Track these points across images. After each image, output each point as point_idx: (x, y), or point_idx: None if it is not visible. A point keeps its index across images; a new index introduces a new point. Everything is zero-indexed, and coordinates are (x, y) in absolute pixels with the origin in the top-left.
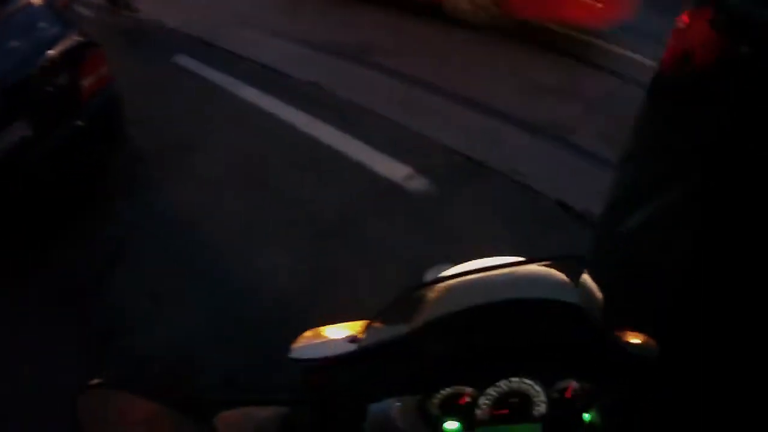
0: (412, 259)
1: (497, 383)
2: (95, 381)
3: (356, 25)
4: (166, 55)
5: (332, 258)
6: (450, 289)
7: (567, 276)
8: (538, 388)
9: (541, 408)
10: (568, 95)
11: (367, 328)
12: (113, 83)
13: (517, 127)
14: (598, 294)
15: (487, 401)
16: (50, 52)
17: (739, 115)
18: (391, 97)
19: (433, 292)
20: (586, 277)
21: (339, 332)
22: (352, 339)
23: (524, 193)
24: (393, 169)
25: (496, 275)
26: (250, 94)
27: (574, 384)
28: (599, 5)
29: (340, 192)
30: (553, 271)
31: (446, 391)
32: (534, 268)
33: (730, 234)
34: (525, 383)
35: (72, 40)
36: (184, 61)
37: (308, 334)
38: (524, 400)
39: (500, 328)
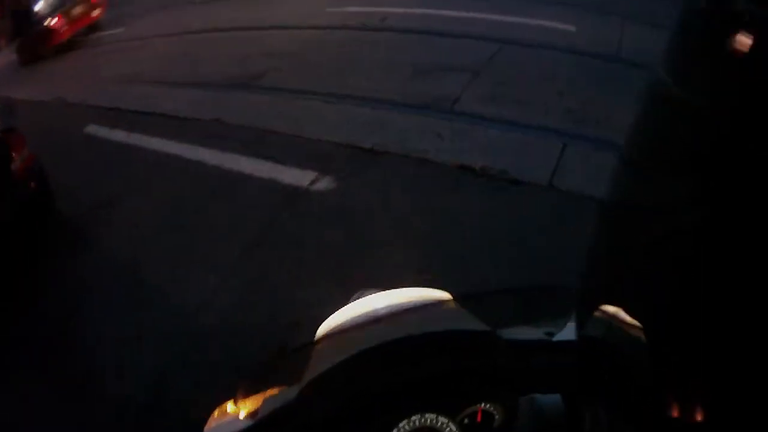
0: (332, 249)
1: (399, 426)
2: None
3: None
4: (76, 127)
5: (260, 266)
6: (327, 343)
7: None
8: (442, 419)
9: None
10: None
11: (265, 398)
12: (36, 160)
13: (404, 109)
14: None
15: None
16: None
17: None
18: (282, 113)
19: (314, 349)
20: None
21: (244, 406)
22: (253, 413)
23: (424, 166)
24: (299, 177)
25: (367, 326)
26: (159, 144)
27: (483, 406)
28: None
29: (255, 209)
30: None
31: None
32: (408, 303)
33: (733, 238)
34: (428, 418)
35: None
36: (94, 129)
37: (216, 413)
38: None
39: (383, 371)
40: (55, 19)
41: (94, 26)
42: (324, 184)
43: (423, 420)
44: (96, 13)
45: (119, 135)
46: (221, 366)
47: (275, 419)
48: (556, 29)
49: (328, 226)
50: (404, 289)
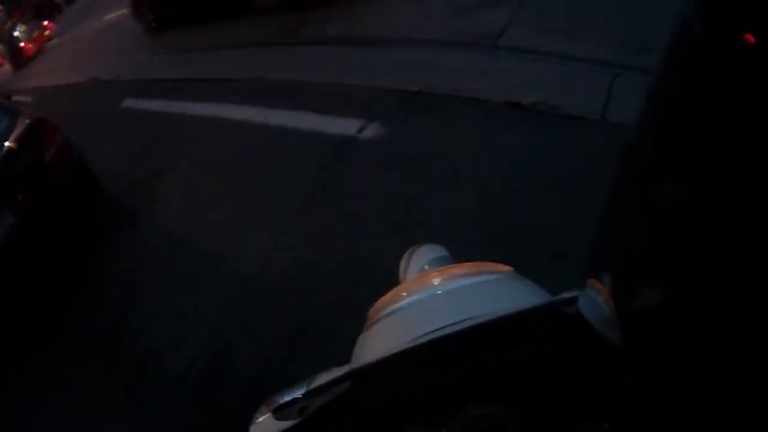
0: (387, 197)
1: (456, 417)
2: None
3: None
4: (113, 103)
5: (315, 221)
6: (377, 330)
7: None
8: (503, 409)
9: (514, 426)
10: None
11: (315, 391)
12: (72, 145)
13: (449, 48)
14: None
15: None
16: (8, 144)
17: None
18: (322, 64)
19: (364, 335)
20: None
21: (291, 394)
22: (301, 409)
23: (473, 106)
24: (345, 127)
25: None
26: (200, 109)
27: (543, 393)
28: None
29: (305, 163)
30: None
31: None
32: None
33: (734, 239)
34: (487, 408)
35: (23, 124)
36: (131, 102)
37: (264, 408)
38: (492, 424)
39: (439, 360)
40: (22, 43)
41: (49, 38)
42: (372, 131)
43: (482, 410)
44: (47, 33)
45: (158, 105)
46: (282, 330)
47: (326, 414)
48: None
49: (380, 174)
50: (462, 264)
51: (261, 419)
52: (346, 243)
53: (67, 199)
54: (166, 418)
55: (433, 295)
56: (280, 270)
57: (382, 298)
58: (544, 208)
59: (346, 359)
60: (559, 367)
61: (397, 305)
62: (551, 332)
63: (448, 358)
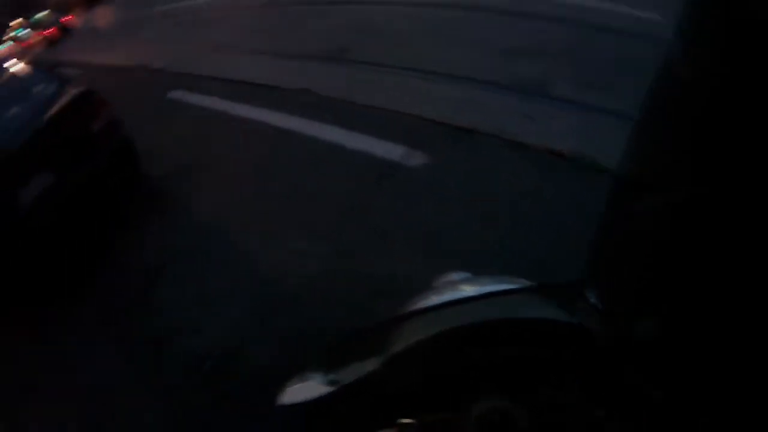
0: (424, 230)
1: (471, 407)
2: None
3: None
4: (160, 92)
5: (348, 237)
6: (410, 322)
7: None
8: (514, 404)
9: (524, 421)
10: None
11: (345, 367)
12: (120, 122)
13: (496, 89)
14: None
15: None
16: (54, 108)
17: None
18: (372, 87)
19: (397, 326)
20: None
21: (321, 375)
22: (333, 380)
23: (514, 149)
24: (390, 151)
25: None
26: (246, 111)
27: (551, 393)
28: None
29: (346, 180)
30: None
31: (428, 419)
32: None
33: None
34: (500, 402)
35: (71, 93)
36: (179, 95)
37: (293, 381)
38: (504, 417)
39: (460, 352)
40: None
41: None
42: (415, 159)
43: (496, 404)
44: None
45: (204, 100)
46: (296, 333)
47: (354, 389)
48: (640, 17)
49: (419, 202)
50: (491, 276)
51: (296, 385)
52: (374, 261)
53: (107, 171)
54: (172, 396)
55: (461, 298)
56: (307, 276)
57: (413, 300)
58: (572, 260)
59: None
60: (560, 369)
61: (427, 304)
62: (554, 338)
63: (464, 352)
